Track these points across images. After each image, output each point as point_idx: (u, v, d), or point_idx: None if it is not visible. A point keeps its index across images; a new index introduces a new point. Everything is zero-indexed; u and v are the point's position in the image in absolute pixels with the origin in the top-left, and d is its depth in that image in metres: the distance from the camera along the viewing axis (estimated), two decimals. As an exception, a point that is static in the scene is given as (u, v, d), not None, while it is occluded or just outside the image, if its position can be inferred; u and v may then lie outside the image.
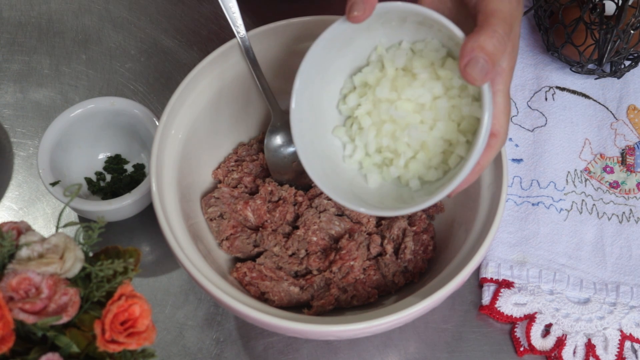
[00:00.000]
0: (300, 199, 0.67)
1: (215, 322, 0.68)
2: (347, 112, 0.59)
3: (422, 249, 0.65)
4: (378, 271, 0.64)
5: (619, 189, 0.74)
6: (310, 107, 0.57)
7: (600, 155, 0.76)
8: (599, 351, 0.66)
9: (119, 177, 0.73)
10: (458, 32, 0.50)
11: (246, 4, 0.64)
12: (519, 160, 0.75)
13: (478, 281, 0.70)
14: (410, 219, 0.66)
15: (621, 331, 0.67)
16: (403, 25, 0.55)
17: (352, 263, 0.62)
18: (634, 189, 0.74)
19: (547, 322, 0.67)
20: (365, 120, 0.58)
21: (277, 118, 0.67)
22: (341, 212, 0.67)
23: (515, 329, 0.68)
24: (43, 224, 0.73)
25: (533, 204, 0.73)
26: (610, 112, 0.79)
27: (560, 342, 0.66)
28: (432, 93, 0.55)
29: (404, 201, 0.57)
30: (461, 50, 0.48)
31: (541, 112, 0.78)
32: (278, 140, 0.67)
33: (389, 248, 0.64)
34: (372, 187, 0.59)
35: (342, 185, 0.58)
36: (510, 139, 0.76)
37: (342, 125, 0.60)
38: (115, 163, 0.74)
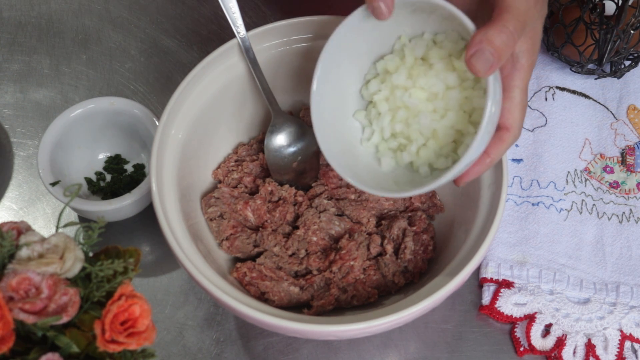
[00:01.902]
0: (300, 199, 0.67)
1: (215, 322, 0.68)
2: (369, 97, 0.61)
3: (422, 249, 0.65)
4: (378, 271, 0.64)
5: (619, 189, 0.74)
6: (333, 90, 0.59)
7: (600, 155, 0.76)
8: (599, 351, 0.66)
9: (119, 177, 0.73)
10: (469, 24, 0.51)
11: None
12: (519, 160, 0.75)
13: (478, 281, 0.70)
14: (410, 219, 0.66)
15: (621, 331, 0.67)
16: (430, 16, 0.56)
17: (352, 263, 0.62)
18: (634, 189, 0.74)
19: (547, 322, 0.67)
20: (382, 106, 0.59)
21: (277, 118, 0.67)
22: (341, 212, 0.67)
23: (515, 329, 0.68)
24: (43, 224, 0.73)
25: (533, 204, 0.73)
26: (610, 112, 0.79)
27: (560, 342, 0.66)
28: (445, 83, 0.56)
29: (416, 186, 0.58)
30: (469, 42, 0.50)
31: (541, 112, 0.78)
32: (278, 140, 0.67)
33: (389, 248, 0.64)
34: (385, 170, 0.61)
35: (357, 168, 0.59)
36: (510, 139, 0.76)
37: (364, 110, 0.62)
38: (115, 163, 0.74)
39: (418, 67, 0.57)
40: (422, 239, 0.65)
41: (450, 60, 0.56)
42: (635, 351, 0.66)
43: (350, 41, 0.58)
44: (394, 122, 0.59)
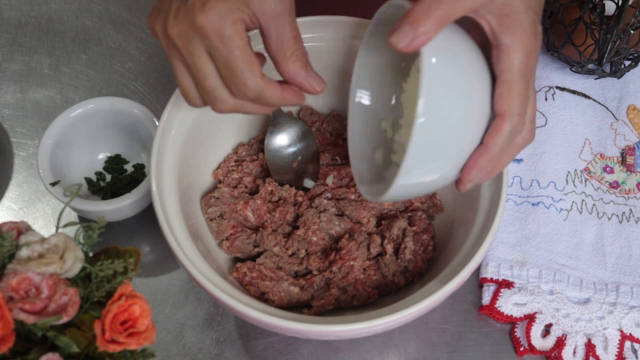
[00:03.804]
0: (300, 199, 0.66)
1: (215, 322, 0.68)
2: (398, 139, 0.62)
3: (422, 249, 0.65)
4: (378, 271, 0.64)
5: (619, 189, 0.74)
6: (371, 88, 0.62)
7: (600, 155, 0.76)
8: (599, 351, 0.66)
9: (119, 177, 0.73)
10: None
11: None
12: (519, 160, 0.75)
13: (478, 281, 0.70)
14: (410, 219, 0.66)
15: (621, 331, 0.67)
16: None
17: (352, 263, 0.62)
18: (634, 189, 0.74)
19: (547, 322, 0.67)
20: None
21: (277, 118, 0.67)
22: (341, 212, 0.67)
23: (515, 329, 0.68)
24: (43, 224, 0.73)
25: (533, 204, 0.73)
26: (610, 112, 0.79)
27: (560, 342, 0.66)
28: None
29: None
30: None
31: (541, 112, 0.78)
32: (278, 140, 0.67)
33: (389, 248, 0.64)
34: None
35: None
36: (510, 139, 0.76)
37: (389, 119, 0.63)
38: (115, 163, 0.74)
39: None
40: (422, 239, 0.65)
41: None
42: (635, 351, 0.66)
43: (378, 49, 0.59)
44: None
